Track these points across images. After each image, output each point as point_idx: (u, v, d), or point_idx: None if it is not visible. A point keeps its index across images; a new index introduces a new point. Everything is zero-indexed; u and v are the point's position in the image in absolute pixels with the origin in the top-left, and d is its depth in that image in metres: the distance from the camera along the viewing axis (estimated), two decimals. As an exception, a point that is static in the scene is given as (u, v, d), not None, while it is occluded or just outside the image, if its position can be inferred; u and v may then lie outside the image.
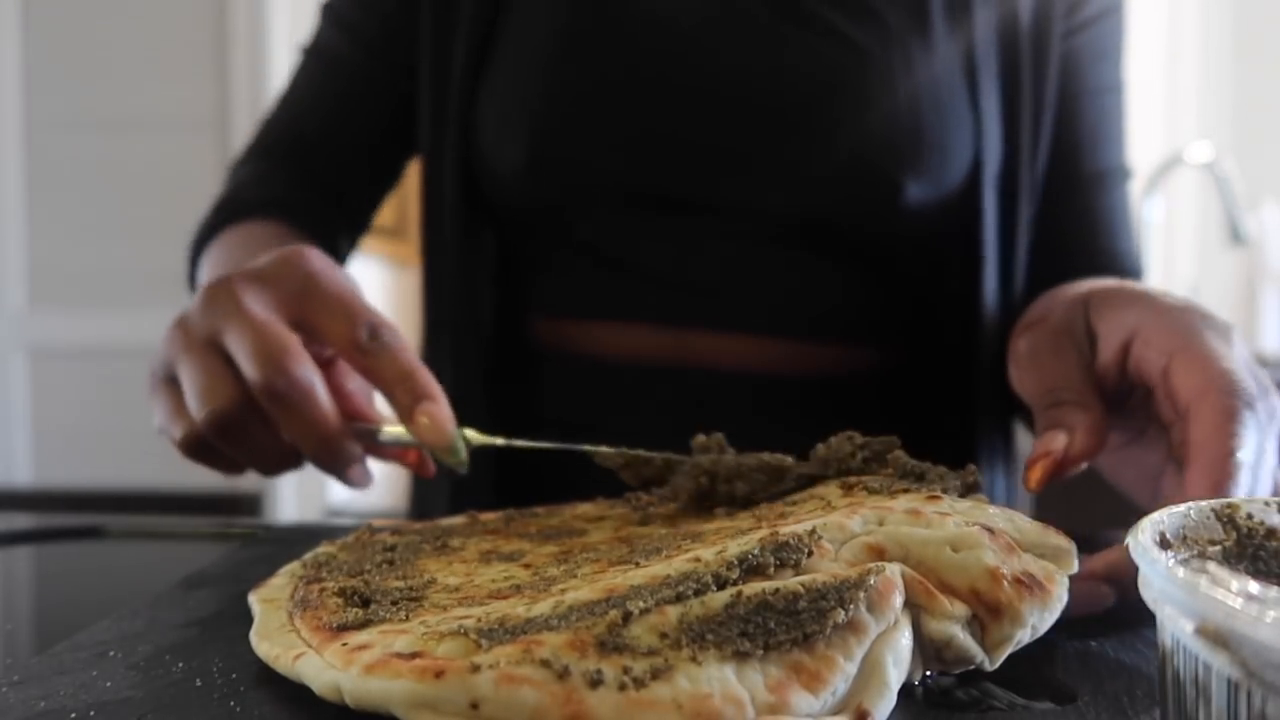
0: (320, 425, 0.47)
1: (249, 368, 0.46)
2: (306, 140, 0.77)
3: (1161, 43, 2.44)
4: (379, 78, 0.76)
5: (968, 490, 0.41)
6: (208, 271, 0.69)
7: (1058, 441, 0.45)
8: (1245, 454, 0.40)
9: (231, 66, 2.41)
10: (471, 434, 0.50)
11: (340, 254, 0.80)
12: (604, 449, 0.50)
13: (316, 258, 0.50)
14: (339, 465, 0.49)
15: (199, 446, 0.50)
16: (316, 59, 0.78)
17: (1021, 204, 0.71)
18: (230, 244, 0.70)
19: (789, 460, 0.47)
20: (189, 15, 2.41)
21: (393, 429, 0.50)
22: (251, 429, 0.47)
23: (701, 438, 0.49)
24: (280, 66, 2.39)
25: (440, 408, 0.48)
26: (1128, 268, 0.73)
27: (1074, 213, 0.73)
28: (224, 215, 0.73)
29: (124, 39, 2.41)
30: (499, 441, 0.51)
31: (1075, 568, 0.36)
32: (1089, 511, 0.71)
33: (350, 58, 0.77)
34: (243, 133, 2.40)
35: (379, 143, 0.78)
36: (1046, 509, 0.60)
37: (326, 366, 0.51)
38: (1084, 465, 0.46)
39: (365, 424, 0.50)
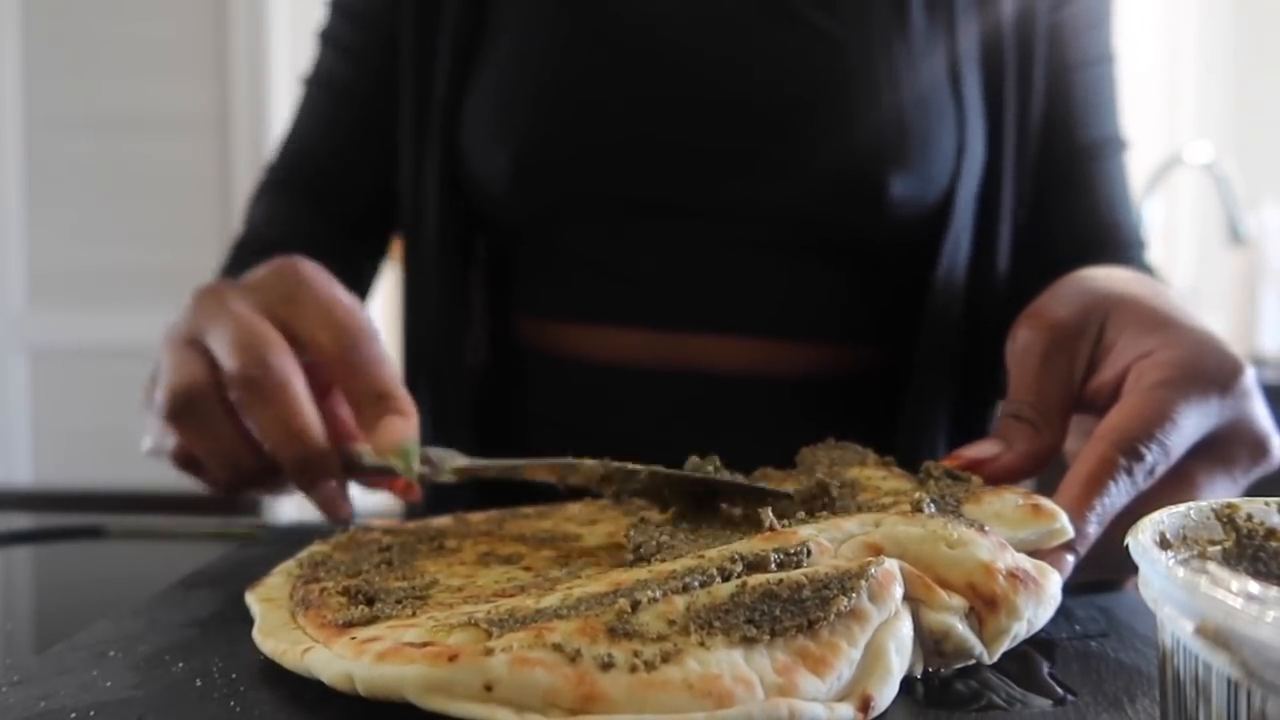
0: (295, 420, 0.45)
1: (226, 357, 0.45)
2: (322, 172, 0.76)
3: (1161, 43, 2.44)
4: (388, 103, 0.74)
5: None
6: None
7: (986, 451, 0.43)
8: (1115, 493, 0.39)
9: (231, 66, 2.40)
10: (442, 455, 0.48)
11: (365, 282, 0.79)
12: (587, 460, 0.45)
13: (308, 267, 0.49)
14: (315, 474, 0.46)
15: (186, 456, 0.49)
16: (322, 88, 0.77)
17: (1005, 193, 0.70)
18: None
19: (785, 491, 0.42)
20: (189, 15, 2.41)
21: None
22: (212, 416, 0.46)
23: (695, 458, 0.44)
24: (280, 66, 2.38)
25: (406, 423, 0.46)
26: (1128, 239, 0.72)
27: (1071, 185, 0.72)
28: (245, 255, 0.72)
29: (124, 39, 2.41)
30: (466, 461, 0.48)
31: (1070, 533, 0.37)
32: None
33: (357, 84, 0.76)
34: (243, 133, 2.39)
35: (393, 167, 0.77)
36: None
37: (324, 393, 0.49)
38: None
39: (350, 446, 0.48)
